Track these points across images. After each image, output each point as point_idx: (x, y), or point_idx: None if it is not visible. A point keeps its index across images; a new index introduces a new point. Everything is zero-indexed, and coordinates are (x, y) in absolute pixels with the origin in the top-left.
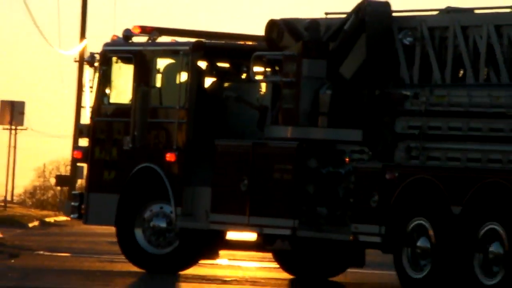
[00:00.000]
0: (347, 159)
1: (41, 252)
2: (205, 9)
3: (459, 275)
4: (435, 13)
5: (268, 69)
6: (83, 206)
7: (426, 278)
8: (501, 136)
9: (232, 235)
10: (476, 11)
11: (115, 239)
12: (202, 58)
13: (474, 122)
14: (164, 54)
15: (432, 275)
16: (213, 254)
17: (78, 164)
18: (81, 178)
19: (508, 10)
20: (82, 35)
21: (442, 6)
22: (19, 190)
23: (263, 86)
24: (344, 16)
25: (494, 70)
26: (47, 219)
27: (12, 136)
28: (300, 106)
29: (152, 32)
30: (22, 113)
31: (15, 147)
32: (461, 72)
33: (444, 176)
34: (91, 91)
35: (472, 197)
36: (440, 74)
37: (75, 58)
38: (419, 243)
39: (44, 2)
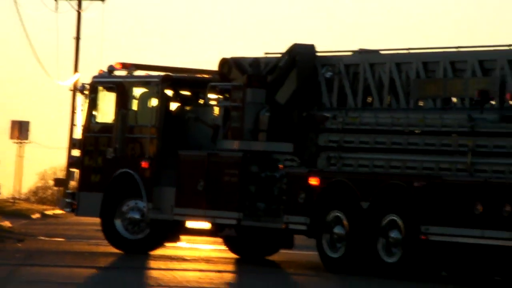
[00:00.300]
0: (281, 166)
1: (42, 238)
2: (176, 46)
3: (366, 255)
4: (349, 53)
5: (220, 96)
6: (75, 202)
7: (341, 258)
8: (400, 148)
9: (191, 224)
10: (381, 52)
11: (99, 228)
12: (169, 88)
13: (379, 138)
14: (139, 84)
15: (346, 255)
16: (176, 239)
17: (71, 169)
18: (74, 180)
19: (405, 51)
20: (75, 69)
21: (357, 47)
22: (24, 190)
23: (216, 110)
24: (279, 55)
25: (395, 97)
26: (46, 212)
27: (20, 148)
28: (245, 125)
29: (130, 67)
30: (27, 130)
31: (22, 156)
32: (369, 99)
33: (355, 179)
34: (82, 113)
35: (377, 195)
36: (353, 100)
37: (70, 87)
38: (335, 230)
39: (45, 42)
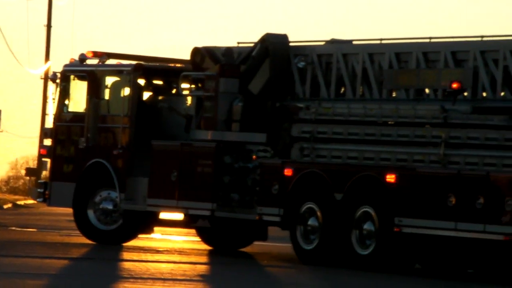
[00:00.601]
0: (254, 157)
1: (14, 228)
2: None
3: (340, 247)
4: (322, 43)
5: (193, 86)
6: (47, 192)
7: (315, 249)
8: (373, 140)
9: (164, 215)
10: (354, 42)
11: (72, 218)
12: (141, 77)
13: (352, 128)
14: (111, 73)
15: (320, 247)
16: (149, 230)
17: (43, 159)
18: (46, 170)
19: (378, 41)
20: (47, 57)
21: (330, 37)
22: None
23: (189, 99)
24: (252, 45)
25: (368, 88)
26: (18, 202)
27: None
28: (218, 115)
29: (102, 56)
30: None
31: None
32: (342, 89)
33: (329, 170)
34: (54, 102)
35: (351, 187)
36: (326, 91)
37: (41, 76)
38: (309, 222)
39: (15, 29)
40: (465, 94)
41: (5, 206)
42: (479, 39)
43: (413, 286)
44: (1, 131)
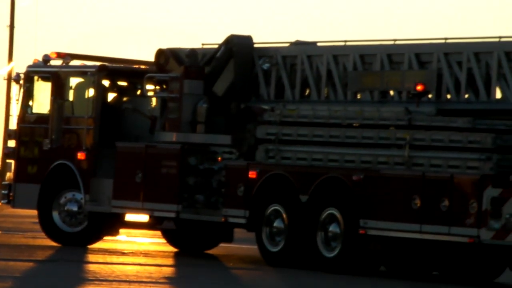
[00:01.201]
0: (219, 158)
1: None
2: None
3: (306, 249)
4: (287, 45)
5: (157, 87)
6: (11, 194)
7: (281, 251)
8: (338, 142)
9: (129, 217)
10: (318, 44)
11: (36, 220)
12: (106, 78)
13: (317, 130)
14: (75, 74)
15: (286, 249)
16: (114, 232)
17: (7, 160)
18: (10, 171)
19: (342, 43)
20: (10, 58)
21: (294, 38)
22: None
23: (154, 100)
24: (216, 46)
25: (332, 90)
26: None
27: None
28: (182, 116)
29: (66, 57)
30: None
31: None
32: (307, 91)
33: (294, 172)
34: (17, 103)
35: (316, 189)
36: (291, 93)
37: (4, 77)
38: (275, 224)
39: None
40: (429, 96)
41: None
42: (443, 41)
43: (378, 285)
44: None
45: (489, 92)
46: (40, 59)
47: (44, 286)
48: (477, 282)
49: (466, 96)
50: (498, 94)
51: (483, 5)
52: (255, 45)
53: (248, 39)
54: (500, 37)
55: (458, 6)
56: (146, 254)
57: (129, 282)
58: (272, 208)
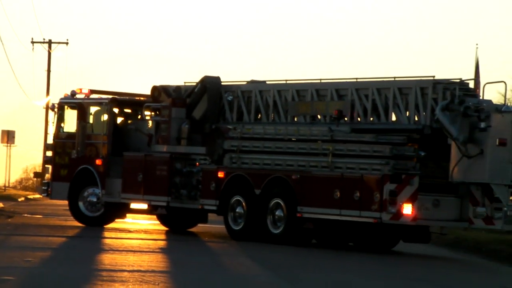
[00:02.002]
0: (197, 163)
1: (25, 215)
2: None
3: (259, 227)
4: (245, 83)
5: (153, 113)
6: (49, 189)
7: (241, 230)
8: (281, 151)
9: (133, 205)
10: (267, 82)
11: (67, 208)
12: (116, 107)
13: (266, 143)
14: (94, 104)
15: (245, 228)
16: (123, 216)
17: (46, 165)
18: (48, 173)
19: (284, 81)
20: (47, 93)
21: (250, 78)
22: (12, 180)
23: (150, 123)
24: (194, 84)
25: (277, 115)
26: (29, 196)
27: (8, 150)
28: (171, 134)
29: (88, 92)
30: (13, 137)
31: (10, 156)
32: (259, 115)
33: (250, 173)
34: (53, 125)
35: (266, 185)
36: (248, 117)
37: (43, 106)
38: (237, 210)
39: (25, 73)
40: (345, 119)
41: (19, 199)
42: (355, 80)
43: (309, 254)
44: (16, 146)
45: (387, 116)
46: (69, 93)
47: (73, 255)
48: (380, 250)
49: (371, 119)
50: (394, 118)
51: (382, 54)
52: (222, 83)
53: (217, 79)
54: (394, 77)
55: (365, 55)
56: (145, 231)
57: (134, 251)
58: (235, 198)
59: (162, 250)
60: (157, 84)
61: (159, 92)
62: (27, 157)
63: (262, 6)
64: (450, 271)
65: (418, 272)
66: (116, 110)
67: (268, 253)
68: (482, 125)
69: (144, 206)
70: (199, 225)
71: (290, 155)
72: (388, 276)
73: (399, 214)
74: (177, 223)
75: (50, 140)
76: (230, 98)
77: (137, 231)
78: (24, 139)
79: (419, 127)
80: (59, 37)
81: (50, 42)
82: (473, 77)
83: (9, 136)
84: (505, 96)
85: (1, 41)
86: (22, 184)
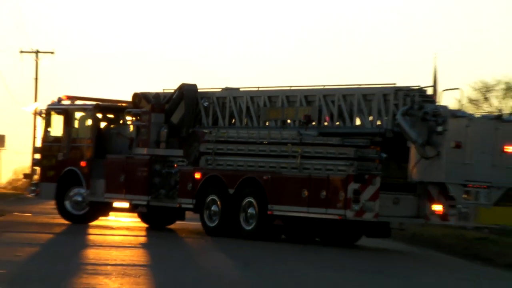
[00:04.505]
0: (175, 165)
1: (16, 213)
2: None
3: (233, 224)
4: (220, 90)
5: (133, 118)
6: (37, 189)
7: (216, 226)
8: (253, 153)
9: (116, 204)
10: (241, 89)
11: (54, 207)
12: (99, 112)
13: (240, 146)
14: (79, 110)
15: (219, 225)
16: (106, 214)
17: (34, 167)
18: (36, 174)
19: (256, 88)
20: (35, 99)
21: (225, 85)
22: (3, 181)
23: (131, 127)
24: (172, 91)
25: (250, 119)
26: (19, 197)
27: None
28: (150, 137)
29: (73, 98)
30: (3, 141)
31: (0, 158)
32: (233, 120)
33: (225, 174)
34: (41, 129)
35: (239, 185)
36: (223, 121)
37: (32, 112)
38: (212, 208)
39: (14, 81)
40: (313, 123)
41: (10, 199)
42: (322, 87)
43: (278, 248)
44: (6, 149)
45: (352, 120)
46: (56, 100)
47: (60, 250)
48: (344, 245)
49: (337, 123)
50: (358, 122)
51: (348, 63)
52: (199, 90)
53: (194, 86)
54: (359, 85)
55: (332, 64)
56: (127, 228)
57: (116, 247)
58: (210, 197)
59: (143, 246)
60: (138, 91)
61: (139, 98)
62: (16, 160)
63: (237, 19)
64: (408, 263)
65: (380, 265)
66: (99, 115)
67: (241, 248)
68: (439, 129)
69: (126, 205)
70: (177, 222)
71: (262, 157)
72: (352, 268)
73: (362, 211)
74: (156, 220)
75: (38, 144)
76: (206, 104)
77: (120, 228)
78: (14, 142)
79: (381, 131)
80: (46, 46)
81: (37, 52)
82: (431, 84)
83: (0, 140)
84: (460, 102)
85: None
86: (12, 185)
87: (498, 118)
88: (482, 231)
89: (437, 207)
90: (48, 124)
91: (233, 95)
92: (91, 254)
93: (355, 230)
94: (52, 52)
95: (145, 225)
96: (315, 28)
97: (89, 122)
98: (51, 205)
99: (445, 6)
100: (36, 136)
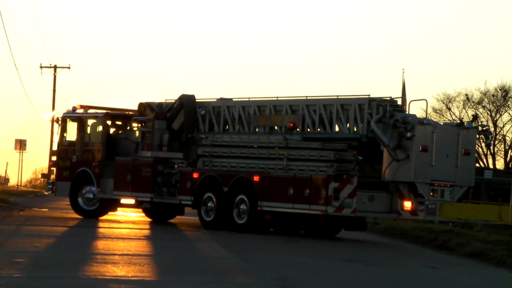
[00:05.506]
0: (176, 166)
1: (34, 208)
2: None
3: (227, 219)
4: (215, 100)
5: (139, 125)
6: (53, 188)
7: (212, 221)
8: (245, 156)
9: (123, 200)
10: (234, 99)
11: (68, 203)
12: (109, 120)
13: (233, 150)
14: (91, 118)
15: (215, 219)
16: (114, 210)
17: (52, 168)
18: (53, 174)
19: (247, 99)
20: (53, 108)
21: (219, 96)
22: (24, 180)
23: (137, 133)
24: (173, 101)
25: (242, 126)
26: (37, 194)
27: (21, 155)
28: (154, 142)
29: (86, 107)
30: (25, 144)
31: (22, 160)
32: (227, 127)
33: (220, 174)
34: (57, 135)
35: (232, 184)
36: (218, 128)
37: (50, 119)
38: (208, 204)
39: (35, 92)
40: (298, 129)
41: (29, 196)
42: (305, 97)
43: (267, 240)
44: (27, 152)
45: (332, 127)
46: (71, 109)
47: (73, 242)
48: (325, 236)
49: (319, 129)
50: (337, 128)
51: (328, 76)
52: (197, 100)
53: (192, 96)
54: (338, 96)
55: (314, 76)
56: (133, 222)
57: (123, 238)
58: (207, 195)
59: (147, 238)
60: (143, 101)
61: (144, 107)
62: (35, 161)
63: (228, 34)
64: (381, 253)
65: (356, 254)
66: (109, 122)
67: (234, 239)
68: (408, 134)
69: (132, 201)
70: (178, 217)
71: (252, 159)
72: (331, 257)
73: (341, 207)
74: (159, 215)
75: (55, 147)
76: (203, 112)
77: (126, 222)
78: (34, 146)
79: (358, 136)
80: (63, 61)
81: (55, 67)
82: (400, 95)
83: (21, 144)
84: (426, 111)
85: (16, 66)
86: (32, 183)
87: (459, 125)
88: (447, 224)
89: (408, 204)
90: (64, 130)
91: (226, 104)
92: (101, 245)
93: (335, 224)
94: (68, 67)
95: (149, 219)
96: (299, 45)
97: (100, 128)
98: (66, 201)
99: (412, 24)
100: (53, 140)
